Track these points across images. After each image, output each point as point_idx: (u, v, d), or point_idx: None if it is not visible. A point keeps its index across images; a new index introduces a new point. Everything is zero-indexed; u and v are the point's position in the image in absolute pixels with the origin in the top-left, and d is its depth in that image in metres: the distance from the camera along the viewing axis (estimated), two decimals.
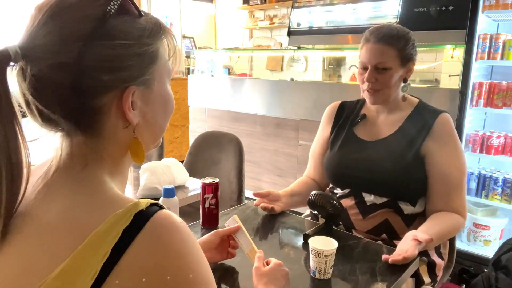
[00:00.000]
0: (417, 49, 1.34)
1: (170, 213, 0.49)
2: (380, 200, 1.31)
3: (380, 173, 1.31)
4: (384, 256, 1.04)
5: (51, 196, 0.51)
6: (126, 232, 0.46)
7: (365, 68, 1.32)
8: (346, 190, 1.39)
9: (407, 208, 1.30)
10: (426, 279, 1.24)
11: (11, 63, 0.47)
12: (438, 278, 1.30)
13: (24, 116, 0.50)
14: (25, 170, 0.50)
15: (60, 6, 0.49)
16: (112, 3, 0.50)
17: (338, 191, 1.42)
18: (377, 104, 1.38)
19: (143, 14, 0.54)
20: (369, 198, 1.32)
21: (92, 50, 0.48)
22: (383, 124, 1.40)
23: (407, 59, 1.31)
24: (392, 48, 1.28)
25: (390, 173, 1.29)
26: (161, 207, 0.49)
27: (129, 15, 0.52)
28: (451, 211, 1.26)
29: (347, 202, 1.35)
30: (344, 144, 1.43)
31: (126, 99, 0.52)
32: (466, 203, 1.31)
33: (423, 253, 1.28)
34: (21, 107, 0.49)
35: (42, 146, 0.54)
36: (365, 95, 1.37)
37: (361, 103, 1.49)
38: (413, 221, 1.31)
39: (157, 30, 0.55)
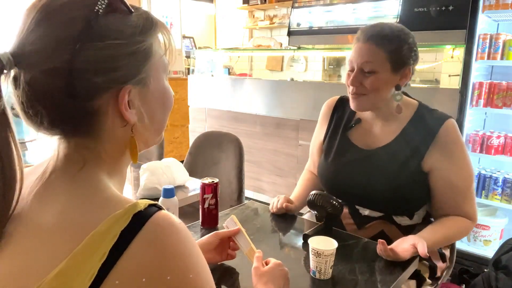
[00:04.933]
0: (414, 47, 1.21)
1: (169, 214, 0.49)
2: (375, 214, 1.28)
3: (376, 189, 1.24)
4: (379, 245, 1.05)
5: (48, 198, 0.51)
6: (125, 233, 0.45)
7: (352, 70, 1.23)
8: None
9: (403, 221, 1.27)
10: (427, 280, 1.24)
11: (4, 71, 0.47)
12: (440, 280, 1.30)
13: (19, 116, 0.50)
14: (18, 175, 0.49)
15: (46, 10, 0.48)
16: (99, 2, 0.49)
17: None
18: (360, 110, 1.29)
19: (133, 10, 0.53)
20: (363, 211, 1.29)
21: (83, 53, 0.47)
22: (381, 130, 1.30)
23: (400, 64, 1.19)
24: (380, 49, 1.17)
25: (387, 188, 1.23)
26: (159, 208, 0.49)
27: (118, 12, 0.51)
28: (461, 216, 1.23)
29: None
30: (339, 152, 1.35)
31: (122, 99, 0.51)
32: (475, 207, 1.25)
33: None
34: (15, 111, 0.49)
35: (42, 144, 0.54)
36: (350, 100, 1.27)
37: None
38: (411, 231, 1.26)
39: (149, 25, 0.54)
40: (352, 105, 1.27)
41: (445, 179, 1.21)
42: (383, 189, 1.23)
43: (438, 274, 1.28)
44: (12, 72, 0.48)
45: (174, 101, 0.61)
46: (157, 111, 0.58)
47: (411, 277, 1.15)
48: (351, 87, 1.24)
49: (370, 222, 1.28)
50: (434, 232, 1.17)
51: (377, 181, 1.25)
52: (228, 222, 1.01)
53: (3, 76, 0.47)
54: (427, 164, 1.21)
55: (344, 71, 4.21)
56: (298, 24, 3.22)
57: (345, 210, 1.31)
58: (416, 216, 1.29)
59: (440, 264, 1.29)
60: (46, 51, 0.47)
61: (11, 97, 0.49)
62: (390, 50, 1.17)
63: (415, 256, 1.07)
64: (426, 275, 1.24)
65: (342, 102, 1.44)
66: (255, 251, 0.93)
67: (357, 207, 1.30)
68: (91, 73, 0.48)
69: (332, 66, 4.35)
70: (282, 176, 3.20)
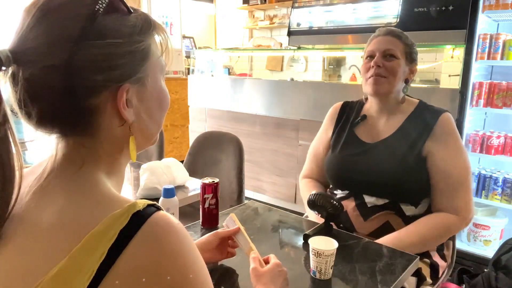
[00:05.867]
0: (417, 49, 1.38)
1: (167, 214, 0.49)
2: (381, 201, 1.30)
3: (380, 175, 1.30)
4: None
5: (47, 197, 0.51)
6: (123, 233, 0.45)
7: (371, 58, 1.34)
8: (346, 192, 1.38)
9: (408, 210, 1.29)
10: (428, 279, 1.24)
11: (3, 68, 0.47)
12: (440, 280, 1.30)
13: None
14: (17, 174, 0.49)
15: (47, 8, 0.48)
16: (100, 2, 0.49)
17: (339, 192, 1.41)
18: (379, 93, 1.33)
19: (132, 11, 0.54)
20: (369, 199, 1.32)
21: (82, 51, 0.47)
22: (384, 125, 1.39)
23: (411, 59, 1.35)
24: (399, 41, 1.33)
25: (390, 174, 1.29)
26: (158, 208, 0.49)
27: (118, 12, 0.52)
28: (453, 210, 1.25)
29: (348, 204, 1.34)
30: (345, 146, 1.42)
31: (120, 98, 0.52)
32: (471, 202, 1.27)
33: (425, 255, 1.28)
34: (14, 111, 0.49)
35: (42, 145, 0.54)
36: (368, 84, 1.34)
37: (361, 104, 1.49)
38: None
39: (147, 26, 0.55)
40: (371, 88, 1.34)
41: (440, 166, 1.27)
42: (387, 172, 1.30)
43: (439, 274, 1.28)
44: (10, 70, 0.48)
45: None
46: (154, 111, 0.59)
47: (412, 274, 1.16)
48: (371, 70, 1.32)
49: (376, 213, 1.30)
50: (408, 233, 1.21)
51: (381, 166, 1.32)
52: (228, 221, 1.01)
53: (1, 73, 0.47)
54: (425, 151, 1.29)
55: (344, 71, 4.21)
56: (298, 24, 3.22)
57: (351, 203, 1.34)
58: (421, 206, 1.32)
59: (441, 264, 1.29)
60: (45, 49, 0.47)
61: (10, 96, 0.49)
62: (406, 44, 1.34)
63: (416, 255, 1.07)
64: (427, 274, 1.24)
65: (347, 105, 1.53)
66: (254, 251, 0.93)
67: (363, 196, 1.33)
68: (90, 71, 0.48)
69: (332, 66, 4.35)
70: (282, 176, 3.20)
